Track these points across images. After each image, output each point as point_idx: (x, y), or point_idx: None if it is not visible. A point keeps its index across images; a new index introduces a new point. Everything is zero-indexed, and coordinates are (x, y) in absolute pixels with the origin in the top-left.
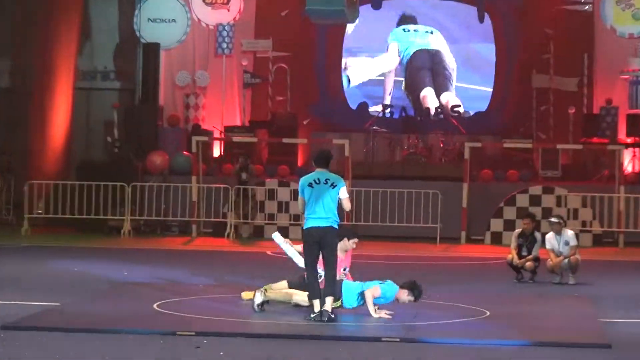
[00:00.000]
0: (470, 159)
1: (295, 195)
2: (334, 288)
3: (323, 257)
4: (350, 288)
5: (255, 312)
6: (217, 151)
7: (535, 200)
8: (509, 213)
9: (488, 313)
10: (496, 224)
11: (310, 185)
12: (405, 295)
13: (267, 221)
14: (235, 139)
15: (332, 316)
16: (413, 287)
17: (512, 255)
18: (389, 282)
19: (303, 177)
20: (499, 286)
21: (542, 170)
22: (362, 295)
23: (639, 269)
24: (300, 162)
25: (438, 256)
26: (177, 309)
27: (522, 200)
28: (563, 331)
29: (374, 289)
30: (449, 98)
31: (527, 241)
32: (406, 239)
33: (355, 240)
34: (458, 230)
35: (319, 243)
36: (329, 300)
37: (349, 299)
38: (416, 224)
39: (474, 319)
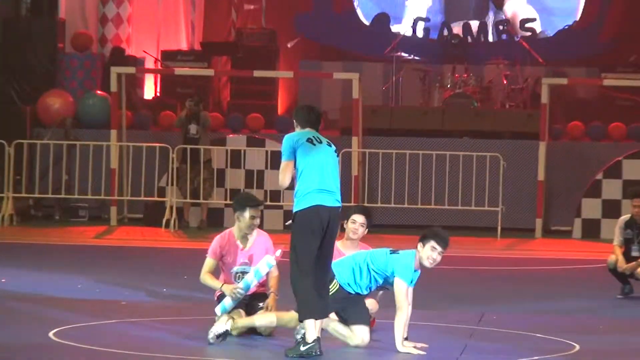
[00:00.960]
0: (550, 103)
1: (273, 160)
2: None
3: (319, 254)
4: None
5: (209, 345)
6: (150, 91)
7: None
8: (611, 189)
9: (577, 348)
10: (591, 207)
11: (310, 141)
12: (430, 251)
13: (228, 201)
14: (179, 71)
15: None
16: (436, 235)
17: (616, 257)
18: (402, 253)
19: (291, 134)
20: (594, 305)
21: None
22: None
23: None
24: (282, 109)
25: (499, 258)
26: (85, 338)
27: (633, 168)
28: None
29: (401, 291)
30: (517, 8)
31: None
32: (448, 230)
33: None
34: (531, 216)
35: (325, 232)
36: (317, 324)
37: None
38: (464, 207)
39: (555, 356)
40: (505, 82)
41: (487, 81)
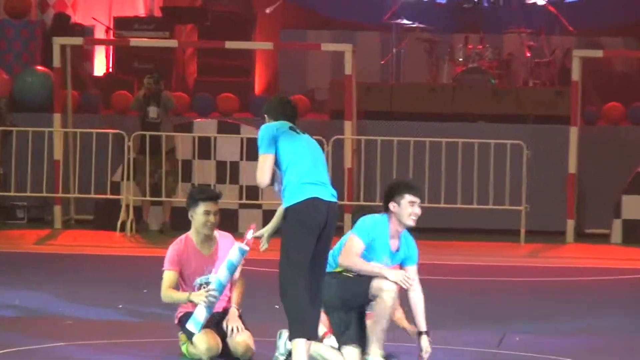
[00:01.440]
0: (582, 80)
1: (250, 149)
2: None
3: (312, 259)
4: None
5: None
6: (101, 66)
7: None
8: None
9: None
10: (633, 206)
11: (293, 130)
12: (409, 207)
13: None
14: (136, 42)
15: None
16: (407, 186)
17: None
18: (368, 218)
19: (268, 123)
20: (637, 322)
21: None
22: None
23: None
24: (259, 88)
25: (523, 266)
26: None
27: None
28: None
29: (352, 252)
30: None
31: None
32: (461, 234)
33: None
34: (561, 217)
35: (322, 231)
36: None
37: None
38: (480, 206)
39: None
40: (528, 54)
41: (507, 53)
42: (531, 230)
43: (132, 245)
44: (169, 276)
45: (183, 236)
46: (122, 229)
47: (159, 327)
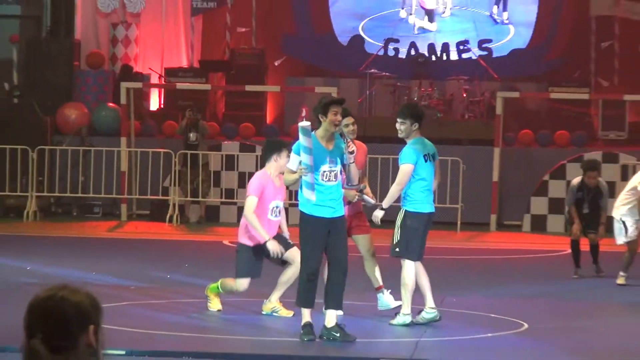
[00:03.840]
0: (504, 114)
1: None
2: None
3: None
4: None
5: (211, 323)
6: (155, 103)
7: None
8: (556, 189)
9: (526, 326)
10: (539, 205)
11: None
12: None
13: (223, 199)
14: (180, 86)
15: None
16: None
17: (577, 225)
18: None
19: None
20: (543, 290)
21: (603, 131)
22: None
23: None
24: (269, 119)
25: (458, 248)
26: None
27: (575, 171)
28: (622, 353)
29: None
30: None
31: (590, 195)
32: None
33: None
34: (486, 213)
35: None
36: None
37: None
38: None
39: (505, 334)
40: (464, 95)
41: (449, 95)
42: (465, 222)
43: (177, 233)
44: (253, 201)
45: (261, 171)
46: (170, 221)
47: (189, 291)
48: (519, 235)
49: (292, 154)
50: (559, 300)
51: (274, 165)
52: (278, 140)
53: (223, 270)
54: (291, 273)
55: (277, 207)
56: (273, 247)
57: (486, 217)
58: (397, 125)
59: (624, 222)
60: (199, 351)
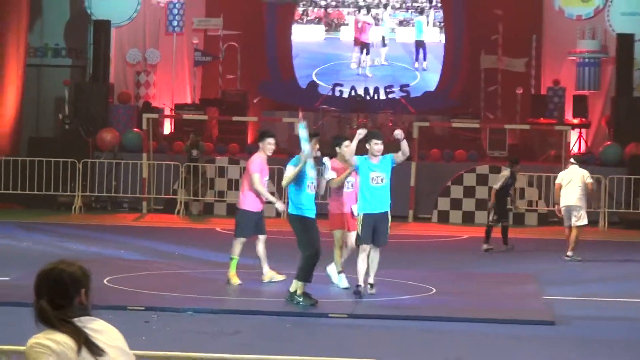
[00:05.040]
0: (419, 138)
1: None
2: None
3: None
4: None
5: (208, 287)
6: (167, 128)
7: (482, 180)
8: (456, 192)
9: (434, 290)
10: (443, 203)
11: None
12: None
13: (217, 198)
14: (186, 116)
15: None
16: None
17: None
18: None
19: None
20: (446, 264)
21: (490, 150)
22: None
23: (582, 248)
24: (250, 140)
25: None
26: (128, 283)
27: (469, 179)
28: (508, 308)
29: None
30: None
31: (514, 181)
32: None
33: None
34: (406, 208)
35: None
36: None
37: None
38: None
39: (420, 296)
40: (390, 124)
41: (379, 124)
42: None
43: (183, 223)
44: (257, 176)
45: (257, 154)
46: (178, 213)
47: (193, 264)
48: (429, 225)
49: (289, 167)
50: (458, 271)
51: (267, 147)
52: (266, 130)
53: (215, 249)
54: (262, 247)
55: (266, 180)
56: (281, 207)
57: (405, 211)
58: (375, 144)
59: (577, 210)
60: (197, 308)
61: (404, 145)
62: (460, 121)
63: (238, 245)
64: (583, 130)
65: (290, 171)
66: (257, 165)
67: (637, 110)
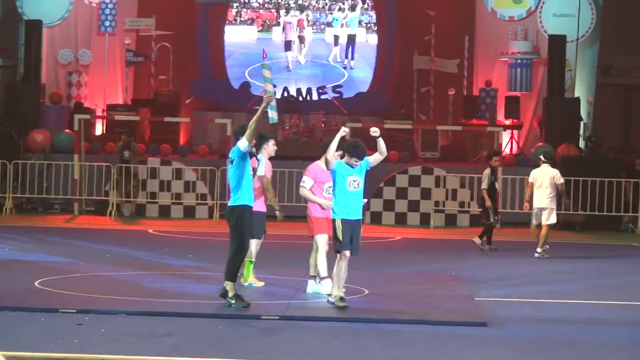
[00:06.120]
0: (350, 139)
1: (177, 173)
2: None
3: None
4: None
5: (142, 290)
6: (99, 129)
7: (414, 181)
8: (389, 193)
9: (367, 292)
10: (376, 204)
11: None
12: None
13: (149, 199)
14: (118, 117)
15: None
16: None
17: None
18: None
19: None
20: (379, 266)
21: (422, 151)
22: None
23: (513, 250)
24: (182, 141)
25: None
26: (59, 286)
27: (402, 180)
28: (441, 309)
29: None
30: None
31: (496, 177)
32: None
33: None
34: None
35: None
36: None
37: None
38: (297, 204)
39: (352, 297)
40: (323, 125)
41: (311, 125)
42: None
43: (115, 224)
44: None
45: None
46: (110, 215)
47: (124, 266)
48: (363, 226)
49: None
50: (391, 272)
51: (264, 151)
52: (264, 134)
53: (147, 250)
54: (254, 247)
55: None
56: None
57: None
58: (355, 162)
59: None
60: (130, 310)
61: (381, 143)
62: (393, 122)
63: (254, 247)
64: (515, 132)
65: (256, 115)
66: (269, 168)
67: (568, 111)
